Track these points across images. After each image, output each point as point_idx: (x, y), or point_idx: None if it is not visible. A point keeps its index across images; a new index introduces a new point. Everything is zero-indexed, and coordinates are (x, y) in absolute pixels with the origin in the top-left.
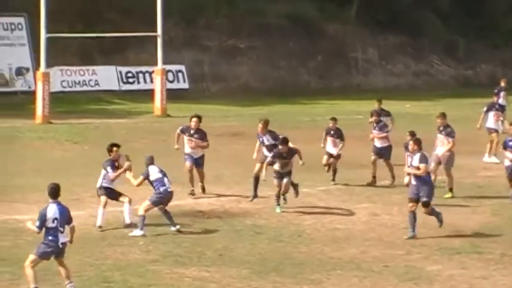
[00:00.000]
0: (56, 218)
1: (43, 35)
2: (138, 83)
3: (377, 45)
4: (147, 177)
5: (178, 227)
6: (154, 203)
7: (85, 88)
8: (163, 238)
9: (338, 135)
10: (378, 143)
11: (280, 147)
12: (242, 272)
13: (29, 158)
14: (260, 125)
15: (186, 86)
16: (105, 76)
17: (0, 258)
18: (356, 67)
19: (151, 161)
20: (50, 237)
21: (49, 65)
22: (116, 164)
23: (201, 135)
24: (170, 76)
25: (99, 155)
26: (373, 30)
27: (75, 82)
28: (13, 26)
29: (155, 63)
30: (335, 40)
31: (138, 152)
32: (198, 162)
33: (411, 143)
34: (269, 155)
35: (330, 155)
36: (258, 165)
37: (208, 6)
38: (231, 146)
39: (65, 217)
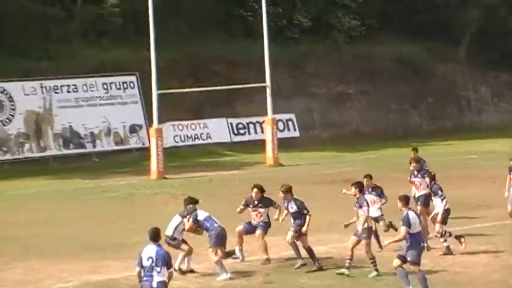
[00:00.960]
0: (150, 257)
1: (154, 91)
2: (249, 133)
3: (488, 83)
4: None
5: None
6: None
7: (197, 142)
8: None
9: None
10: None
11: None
12: None
13: (146, 214)
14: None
15: (296, 134)
16: (216, 129)
17: None
18: (468, 106)
19: None
20: (144, 278)
21: (161, 120)
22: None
23: (266, 203)
24: (280, 125)
25: (214, 207)
26: (483, 68)
27: (187, 136)
28: (125, 85)
29: (265, 113)
30: (445, 80)
31: None
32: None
33: None
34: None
35: None
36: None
37: (315, 54)
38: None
39: (163, 259)
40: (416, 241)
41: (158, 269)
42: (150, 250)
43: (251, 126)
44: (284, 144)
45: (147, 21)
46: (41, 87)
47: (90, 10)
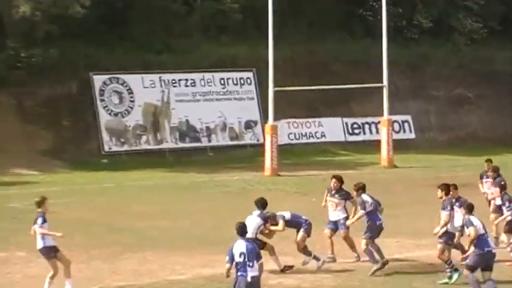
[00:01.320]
0: (242, 253)
1: (271, 88)
2: (364, 134)
3: None
4: None
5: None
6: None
7: (311, 140)
8: None
9: None
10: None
11: None
12: None
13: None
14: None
15: (412, 136)
16: (331, 128)
17: None
18: None
19: None
20: (239, 273)
21: (276, 117)
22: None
23: (343, 196)
24: (396, 126)
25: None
26: None
27: (301, 134)
28: (242, 81)
29: (381, 114)
30: None
31: None
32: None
33: None
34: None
35: None
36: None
37: (434, 56)
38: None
39: (254, 253)
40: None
41: (250, 263)
42: (240, 246)
43: (366, 126)
44: (399, 146)
45: (267, 18)
46: (160, 80)
47: (210, 5)
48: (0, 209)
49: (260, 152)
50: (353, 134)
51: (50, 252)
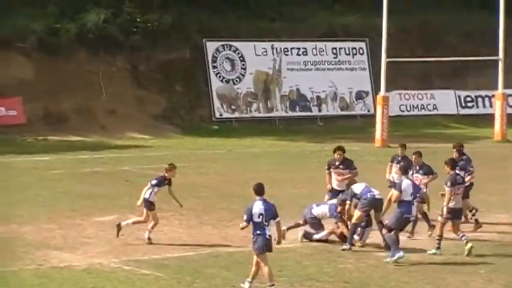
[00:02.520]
0: (261, 214)
1: (383, 59)
2: (477, 107)
3: None
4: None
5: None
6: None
7: (423, 112)
8: (506, 268)
9: None
10: None
11: None
12: None
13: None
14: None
15: None
16: (444, 100)
17: (343, 281)
18: None
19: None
20: (258, 232)
21: (388, 88)
22: None
23: (347, 165)
24: (511, 101)
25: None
26: None
27: (413, 106)
28: (354, 51)
29: (495, 88)
30: None
31: (476, 178)
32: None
33: None
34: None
35: None
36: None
37: None
38: None
39: (271, 213)
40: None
41: (267, 223)
42: (258, 206)
43: (480, 99)
44: None
45: None
46: (272, 48)
47: None
48: (113, 172)
49: (370, 123)
50: (466, 107)
51: (151, 205)
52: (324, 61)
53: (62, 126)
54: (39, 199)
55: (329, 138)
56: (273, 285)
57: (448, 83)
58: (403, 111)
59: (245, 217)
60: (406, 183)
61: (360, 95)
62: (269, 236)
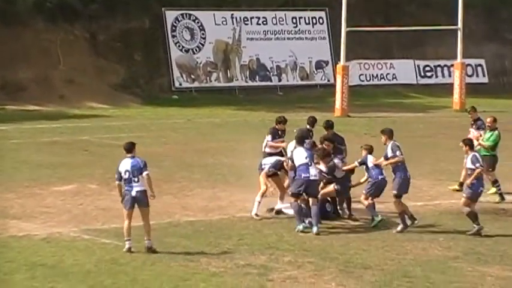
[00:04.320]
0: (127, 170)
1: (343, 28)
2: (436, 77)
3: None
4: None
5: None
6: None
7: (382, 82)
8: (464, 235)
9: None
10: None
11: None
12: None
13: None
14: None
15: (485, 80)
16: (403, 70)
17: (303, 249)
18: None
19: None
20: (125, 188)
21: (348, 58)
22: None
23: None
24: (469, 70)
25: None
26: None
27: (373, 76)
28: (314, 20)
29: (454, 57)
30: None
31: (436, 147)
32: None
33: None
34: None
35: None
36: None
37: None
38: None
39: (138, 169)
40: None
41: (136, 179)
42: (125, 163)
43: (439, 69)
44: (472, 90)
45: None
46: (232, 17)
47: None
48: (72, 141)
49: (330, 93)
50: (425, 76)
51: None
52: (284, 31)
53: (19, 96)
54: None
55: (289, 107)
56: (149, 239)
57: (407, 52)
58: (362, 81)
59: (116, 176)
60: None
61: (319, 65)
62: (137, 191)
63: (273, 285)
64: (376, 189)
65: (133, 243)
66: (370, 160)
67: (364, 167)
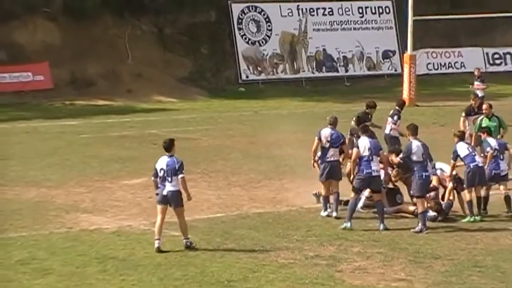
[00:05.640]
0: (162, 168)
1: (410, 17)
2: (506, 64)
3: None
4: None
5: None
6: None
7: (451, 70)
8: None
9: None
10: None
11: None
12: None
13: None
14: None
15: None
16: (471, 58)
17: (372, 239)
18: None
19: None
20: (159, 185)
21: (415, 47)
22: None
23: None
24: None
25: None
26: None
27: (440, 64)
28: (381, 10)
29: None
30: None
31: (508, 136)
32: None
33: None
34: None
35: None
36: None
37: None
38: None
39: (173, 169)
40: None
41: (169, 178)
42: (162, 162)
43: (508, 56)
44: None
45: None
46: (298, 9)
47: None
48: (140, 135)
49: (398, 82)
50: (494, 64)
51: None
52: (350, 21)
53: (88, 91)
54: (68, 163)
55: (356, 98)
56: (187, 238)
57: (475, 40)
58: (430, 70)
59: (153, 172)
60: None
61: (386, 55)
62: (169, 191)
63: (342, 275)
64: (473, 177)
65: (201, 235)
66: (462, 147)
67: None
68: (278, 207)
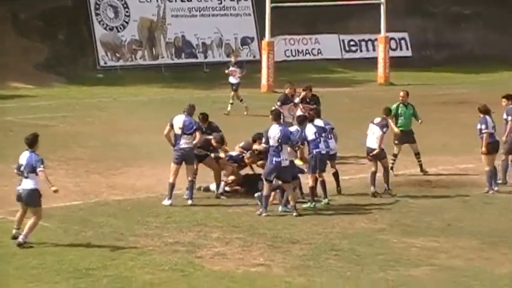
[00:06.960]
0: (21, 164)
1: (268, 4)
2: (361, 51)
3: None
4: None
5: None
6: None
7: (308, 57)
8: (390, 207)
9: None
10: None
11: None
12: (472, 243)
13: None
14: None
15: (409, 53)
16: (328, 45)
17: (231, 225)
18: None
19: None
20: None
21: (273, 34)
22: None
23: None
24: (393, 44)
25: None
26: None
27: (298, 51)
28: None
29: (378, 31)
30: None
31: (362, 121)
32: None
33: None
34: None
35: None
36: None
37: None
38: (457, 115)
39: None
40: None
41: (26, 175)
42: (23, 157)
43: (363, 43)
44: (396, 64)
45: None
46: None
47: None
48: None
49: (256, 69)
50: (350, 51)
51: None
52: (209, 7)
53: None
54: None
55: (215, 84)
56: (26, 237)
57: (332, 27)
58: (288, 57)
59: (16, 166)
60: None
61: (245, 41)
62: (24, 189)
63: (202, 261)
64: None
65: (58, 223)
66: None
67: None
68: (138, 194)
